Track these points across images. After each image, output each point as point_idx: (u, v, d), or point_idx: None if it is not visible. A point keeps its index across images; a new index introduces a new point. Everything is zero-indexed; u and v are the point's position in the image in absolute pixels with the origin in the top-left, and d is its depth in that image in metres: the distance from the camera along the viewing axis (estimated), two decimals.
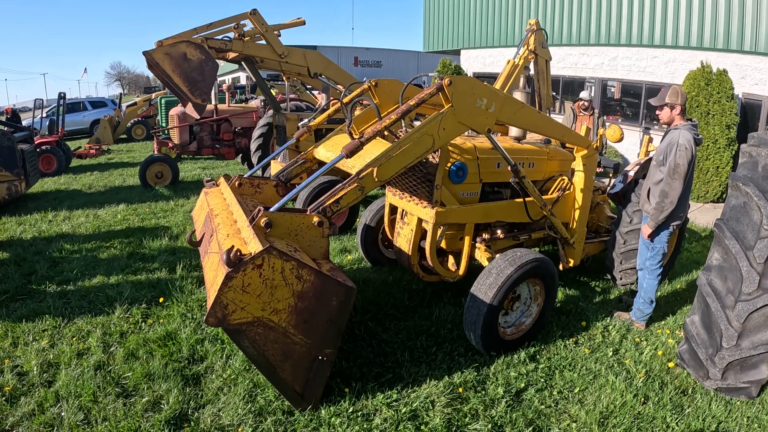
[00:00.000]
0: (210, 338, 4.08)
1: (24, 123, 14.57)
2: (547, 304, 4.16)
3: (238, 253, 2.56)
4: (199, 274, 5.35)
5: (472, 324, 3.76)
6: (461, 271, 4.43)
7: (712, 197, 9.35)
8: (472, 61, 17.73)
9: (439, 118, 3.38)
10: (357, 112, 4.45)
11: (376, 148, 3.43)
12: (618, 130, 5.24)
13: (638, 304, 4.53)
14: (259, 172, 7.37)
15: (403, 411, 3.23)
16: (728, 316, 3.39)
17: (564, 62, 13.77)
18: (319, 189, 6.22)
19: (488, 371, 3.73)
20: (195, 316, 4.46)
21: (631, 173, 5.13)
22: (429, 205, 4.02)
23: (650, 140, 5.56)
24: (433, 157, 3.96)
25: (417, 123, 3.92)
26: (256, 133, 9.64)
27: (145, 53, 7.53)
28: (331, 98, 7.67)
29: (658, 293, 4.95)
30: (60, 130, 13.24)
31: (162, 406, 3.28)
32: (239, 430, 3.08)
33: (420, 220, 4.29)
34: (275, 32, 8.63)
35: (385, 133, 3.84)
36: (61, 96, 14.15)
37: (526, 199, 4.31)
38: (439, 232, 4.38)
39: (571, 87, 14.19)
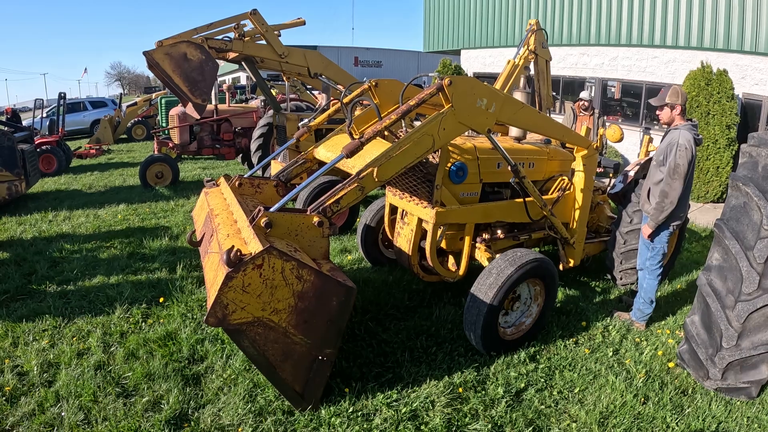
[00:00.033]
0: (210, 338, 4.08)
1: (24, 123, 14.58)
2: (547, 304, 4.16)
3: (239, 253, 2.57)
4: (200, 274, 5.36)
5: (472, 324, 3.76)
6: (461, 271, 4.43)
7: (712, 197, 9.35)
8: (473, 61, 17.73)
9: (439, 119, 3.38)
10: (357, 112, 4.45)
11: (377, 148, 3.43)
12: (618, 130, 5.24)
13: (638, 304, 4.53)
14: (260, 172, 7.37)
15: (403, 411, 3.23)
16: (728, 316, 3.39)
17: (564, 62, 13.77)
18: (320, 189, 6.22)
19: (488, 371, 3.73)
20: (195, 316, 4.46)
21: (631, 173, 5.13)
22: (429, 205, 4.02)
23: (650, 140, 5.56)
24: (434, 157, 3.97)
25: (417, 123, 3.92)
26: (256, 133, 9.64)
27: (145, 53, 7.53)
28: (332, 98, 7.67)
29: (658, 293, 4.95)
30: (60, 130, 13.24)
31: (162, 406, 3.28)
32: (239, 430, 3.08)
33: (420, 220, 4.29)
34: (275, 32, 8.63)
35: (386, 133, 3.84)
36: (62, 96, 14.15)
37: (526, 199, 4.31)
38: (439, 232, 4.38)
39: (571, 87, 14.19)
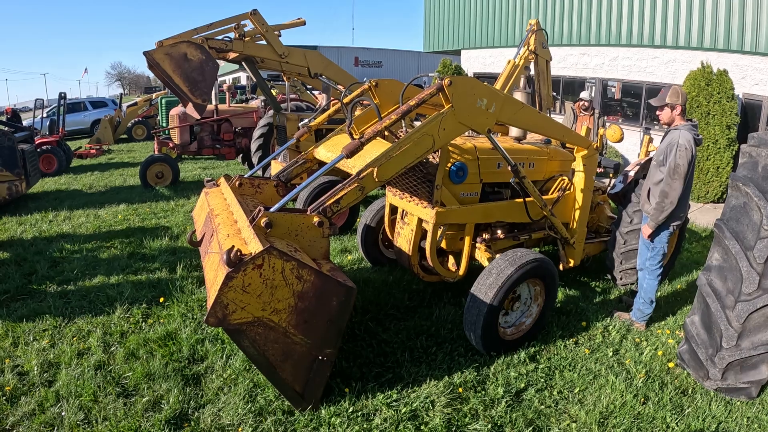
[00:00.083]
0: (210, 338, 4.08)
1: (24, 123, 14.57)
2: (547, 305, 4.16)
3: (239, 253, 2.57)
4: (200, 274, 5.36)
5: (473, 324, 3.76)
6: (461, 272, 4.43)
7: (712, 197, 9.35)
8: (473, 62, 17.73)
9: (439, 119, 3.38)
10: (357, 113, 4.45)
11: (377, 148, 3.43)
12: (618, 131, 5.24)
13: (638, 304, 4.53)
14: (260, 172, 7.38)
15: (403, 411, 3.23)
16: (728, 316, 3.39)
17: (564, 62, 13.78)
18: (320, 189, 6.22)
19: (488, 371, 3.73)
20: (195, 316, 4.46)
21: (632, 173, 5.13)
22: (429, 206, 4.02)
23: (650, 140, 5.56)
24: (434, 158, 3.97)
25: (417, 123, 3.92)
26: (256, 133, 9.64)
27: (145, 53, 7.53)
28: (332, 98, 7.68)
29: (658, 293, 4.95)
30: (60, 130, 13.25)
31: (162, 406, 3.28)
32: (239, 429, 3.08)
33: (420, 221, 4.29)
34: (275, 32, 8.63)
35: (386, 133, 3.84)
36: (62, 96, 14.15)
37: (527, 199, 4.31)
38: (439, 232, 4.38)
39: (571, 87, 14.19)
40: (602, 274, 5.60)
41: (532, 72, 8.32)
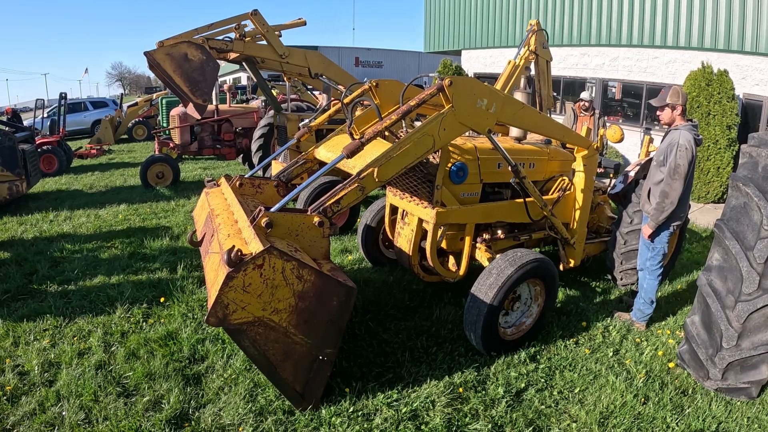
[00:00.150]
0: (211, 338, 4.08)
1: (25, 123, 14.59)
2: (547, 305, 4.16)
3: (239, 253, 2.57)
4: (200, 274, 5.36)
5: (473, 324, 3.76)
6: (462, 272, 4.43)
7: (712, 198, 9.35)
8: (473, 62, 17.73)
9: (439, 119, 3.39)
10: (358, 113, 4.46)
11: (377, 148, 3.43)
12: (618, 131, 5.24)
13: (638, 304, 4.53)
14: (260, 173, 7.38)
15: (403, 411, 3.23)
16: (728, 316, 3.39)
17: (565, 63, 13.78)
18: (320, 189, 6.23)
19: (488, 371, 3.74)
20: (196, 316, 4.47)
21: (632, 174, 5.13)
22: (429, 206, 4.02)
23: (651, 141, 5.56)
24: (434, 158, 3.97)
25: (418, 123, 3.93)
26: (257, 133, 9.65)
27: (146, 54, 7.54)
28: (332, 99, 7.68)
29: (659, 294, 4.95)
30: (61, 130, 13.26)
31: (163, 406, 3.28)
32: (240, 429, 3.09)
33: (420, 221, 4.29)
34: (276, 33, 8.63)
35: (386, 133, 3.85)
36: (62, 96, 14.17)
37: (527, 199, 4.31)
38: (439, 232, 4.38)
39: (571, 87, 14.19)
40: (602, 275, 5.60)
41: (533, 72, 8.32)
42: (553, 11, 14.11)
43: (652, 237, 4.36)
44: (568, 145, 4.99)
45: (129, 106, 19.70)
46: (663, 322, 4.64)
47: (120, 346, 4.02)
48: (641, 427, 3.23)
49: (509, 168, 3.98)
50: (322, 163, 4.28)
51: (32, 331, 4.24)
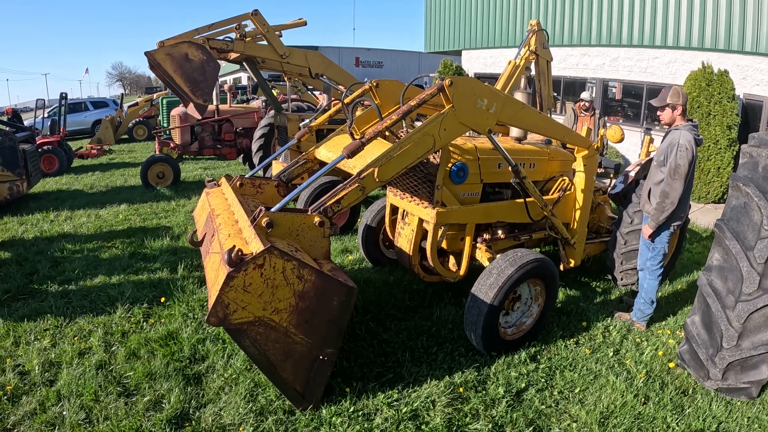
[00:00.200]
0: (211, 338, 4.09)
1: (26, 123, 14.60)
2: (547, 305, 4.16)
3: (240, 253, 2.57)
4: (201, 274, 5.37)
5: (473, 324, 3.76)
6: (462, 272, 4.43)
7: (713, 198, 9.35)
8: (474, 62, 17.73)
9: (440, 119, 3.39)
10: (358, 113, 4.46)
11: (377, 148, 3.44)
12: (619, 131, 5.24)
13: (639, 304, 4.54)
14: (261, 173, 7.39)
15: (403, 411, 3.23)
16: (728, 316, 3.39)
17: (565, 63, 13.77)
18: (321, 189, 6.23)
19: (489, 371, 3.74)
20: (196, 316, 4.47)
21: (632, 174, 5.13)
22: (430, 206, 4.03)
23: (651, 141, 5.56)
24: (434, 158, 3.97)
25: (418, 123, 3.93)
26: (257, 133, 9.65)
27: (146, 54, 7.54)
28: (333, 99, 7.68)
29: (659, 294, 4.95)
30: (62, 130, 13.27)
31: (163, 406, 3.29)
32: (240, 429, 3.09)
33: (421, 221, 4.30)
34: (276, 33, 8.63)
35: (386, 133, 3.85)
36: (63, 96, 14.17)
37: (527, 199, 4.31)
38: (440, 232, 4.38)
39: (572, 87, 14.19)
40: (603, 275, 5.61)
41: (533, 72, 8.32)
42: (553, 11, 14.11)
43: (653, 237, 4.36)
44: (568, 146, 4.99)
45: (129, 106, 19.71)
46: (663, 322, 4.64)
47: (120, 345, 4.02)
48: (641, 427, 3.23)
49: (509, 168, 3.98)
50: (322, 163, 4.28)
51: (33, 331, 4.24)
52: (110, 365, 3.76)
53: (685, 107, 4.21)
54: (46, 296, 4.94)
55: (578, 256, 4.96)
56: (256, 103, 13.52)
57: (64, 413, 3.21)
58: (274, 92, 11.78)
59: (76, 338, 4.14)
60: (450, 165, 3.99)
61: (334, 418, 3.13)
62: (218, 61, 8.13)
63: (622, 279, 5.08)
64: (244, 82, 27.43)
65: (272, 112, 9.45)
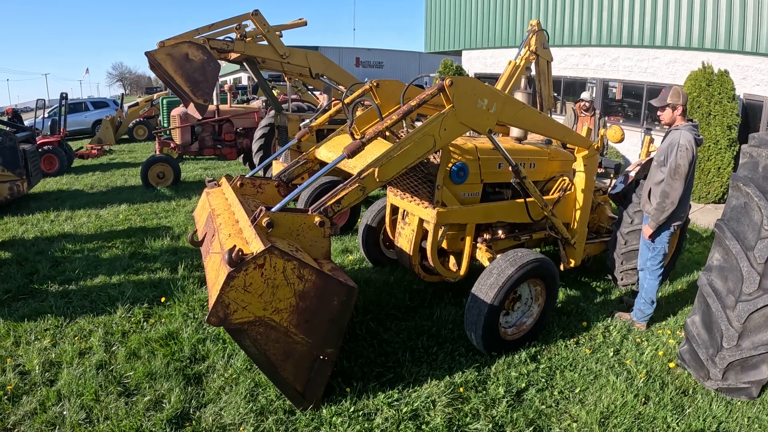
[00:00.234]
0: (211, 338, 4.09)
1: (26, 123, 14.60)
2: (548, 305, 4.16)
3: (240, 253, 2.57)
4: (201, 274, 5.37)
5: (473, 324, 3.76)
6: (462, 272, 4.43)
7: (713, 198, 9.35)
8: (474, 62, 17.73)
9: (440, 119, 3.39)
10: (358, 113, 4.46)
11: (378, 148, 3.44)
12: (619, 131, 5.24)
13: (639, 304, 4.54)
14: (261, 173, 7.39)
15: (404, 410, 3.23)
16: (729, 316, 3.39)
17: (565, 63, 13.78)
18: (321, 189, 6.23)
19: (489, 371, 3.74)
20: (196, 316, 4.47)
21: (632, 174, 5.13)
22: (430, 206, 4.03)
23: (651, 141, 5.57)
24: (435, 158, 3.97)
25: (418, 123, 3.93)
26: (257, 133, 9.66)
27: (147, 54, 7.54)
28: (333, 99, 7.68)
29: (659, 294, 4.95)
30: (62, 130, 13.27)
31: (164, 405, 3.29)
32: (241, 429, 3.09)
33: (421, 221, 4.30)
34: (277, 33, 8.64)
35: (387, 133, 3.85)
36: (63, 96, 14.18)
37: (527, 199, 4.31)
38: (440, 232, 4.38)
39: (572, 88, 14.19)
40: (603, 275, 5.61)
41: (533, 72, 8.32)
42: (553, 11, 14.11)
43: (653, 237, 4.36)
44: (568, 146, 4.99)
45: (130, 107, 19.72)
46: (663, 322, 4.64)
47: (121, 345, 4.02)
48: (642, 427, 3.23)
49: (510, 168, 3.98)
50: (322, 163, 4.28)
51: (33, 331, 4.25)
52: (110, 365, 3.76)
53: (686, 107, 4.21)
54: (46, 296, 4.94)
55: (578, 256, 4.96)
56: (257, 103, 13.52)
57: (65, 413, 3.21)
58: (275, 92, 11.78)
59: (76, 338, 4.14)
60: (450, 165, 4.00)
61: (334, 418, 3.13)
62: (218, 61, 8.13)
63: (622, 279, 5.08)
64: (245, 82, 27.42)
65: (272, 112, 9.45)
